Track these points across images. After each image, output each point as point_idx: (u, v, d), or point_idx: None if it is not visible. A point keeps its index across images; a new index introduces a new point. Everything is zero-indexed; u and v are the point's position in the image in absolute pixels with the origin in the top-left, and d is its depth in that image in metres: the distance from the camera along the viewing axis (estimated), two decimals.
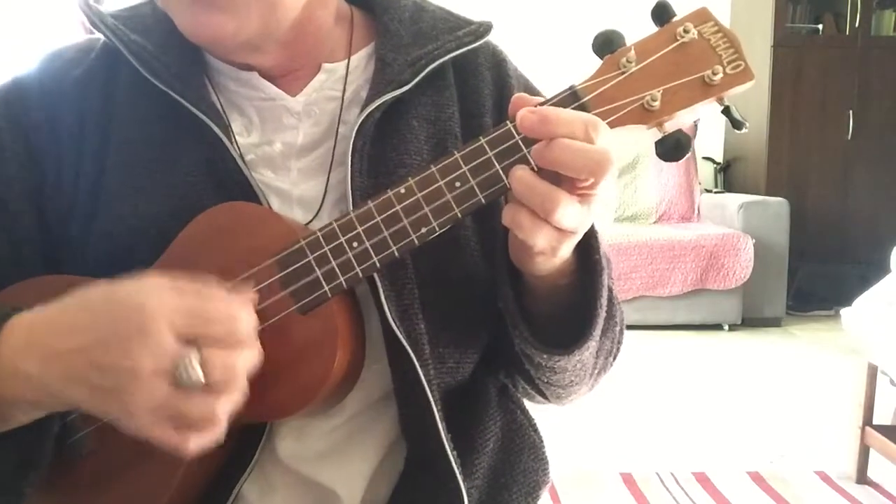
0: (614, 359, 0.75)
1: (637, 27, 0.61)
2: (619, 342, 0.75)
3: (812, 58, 4.46)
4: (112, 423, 0.58)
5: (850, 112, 4.44)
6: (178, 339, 0.50)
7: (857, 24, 4.47)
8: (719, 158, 4.88)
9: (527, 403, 0.80)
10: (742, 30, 4.58)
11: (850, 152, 4.48)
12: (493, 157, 0.58)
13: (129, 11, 0.73)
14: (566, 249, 0.58)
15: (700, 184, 4.59)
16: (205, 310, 0.51)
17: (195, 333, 0.50)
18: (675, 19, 0.59)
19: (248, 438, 0.65)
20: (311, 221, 0.68)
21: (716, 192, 4.65)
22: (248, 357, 0.52)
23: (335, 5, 0.73)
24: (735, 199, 4.21)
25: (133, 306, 0.51)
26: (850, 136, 4.46)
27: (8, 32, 3.49)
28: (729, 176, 4.87)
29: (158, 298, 0.51)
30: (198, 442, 0.51)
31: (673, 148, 0.58)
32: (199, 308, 0.51)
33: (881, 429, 2.19)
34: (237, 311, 0.52)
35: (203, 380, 0.50)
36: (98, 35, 0.71)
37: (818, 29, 4.62)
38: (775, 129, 4.43)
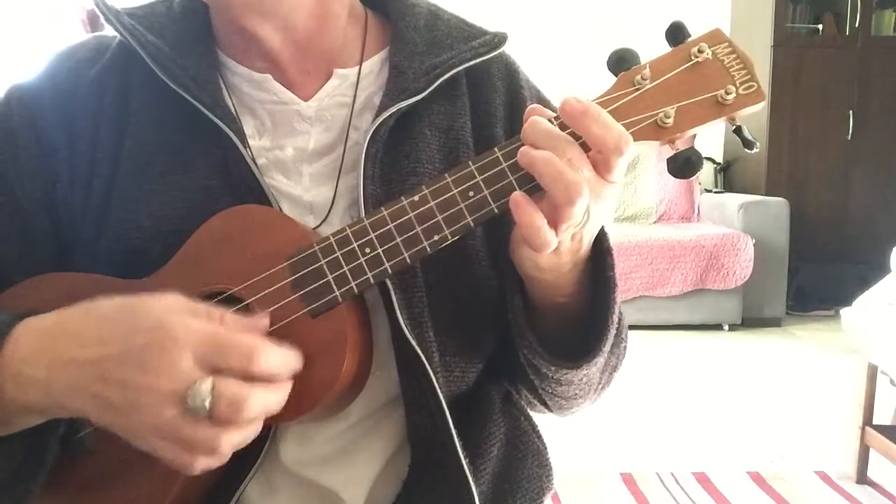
0: (617, 372, 0.75)
1: (651, 46, 0.62)
2: (623, 356, 0.75)
3: (812, 58, 4.46)
4: None
5: (850, 112, 4.45)
6: (196, 364, 0.50)
7: (857, 24, 4.47)
8: (719, 158, 4.88)
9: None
10: (742, 30, 4.58)
11: (850, 152, 4.48)
12: (506, 168, 0.58)
13: (143, 10, 0.73)
14: (560, 242, 0.57)
15: (700, 184, 4.59)
16: (226, 340, 0.51)
17: (213, 361, 0.51)
18: (689, 39, 0.60)
19: (251, 443, 0.65)
20: (319, 226, 0.68)
21: (716, 192, 4.65)
22: (263, 397, 0.52)
23: (349, 1, 0.74)
24: (735, 199, 4.21)
25: (155, 323, 0.51)
26: (850, 136, 4.46)
27: (8, 32, 3.49)
28: (729, 176, 4.88)
29: (182, 319, 0.51)
30: (201, 465, 0.52)
31: (684, 165, 0.58)
32: (220, 336, 0.51)
33: (881, 429, 2.19)
34: (260, 349, 0.52)
35: (208, 408, 0.50)
36: (106, 33, 0.71)
37: (818, 29, 4.62)
38: (775, 129, 4.43)
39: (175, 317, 0.52)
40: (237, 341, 0.52)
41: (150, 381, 0.50)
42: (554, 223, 0.56)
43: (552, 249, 0.57)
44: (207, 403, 0.50)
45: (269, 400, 0.53)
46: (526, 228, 0.56)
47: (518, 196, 0.56)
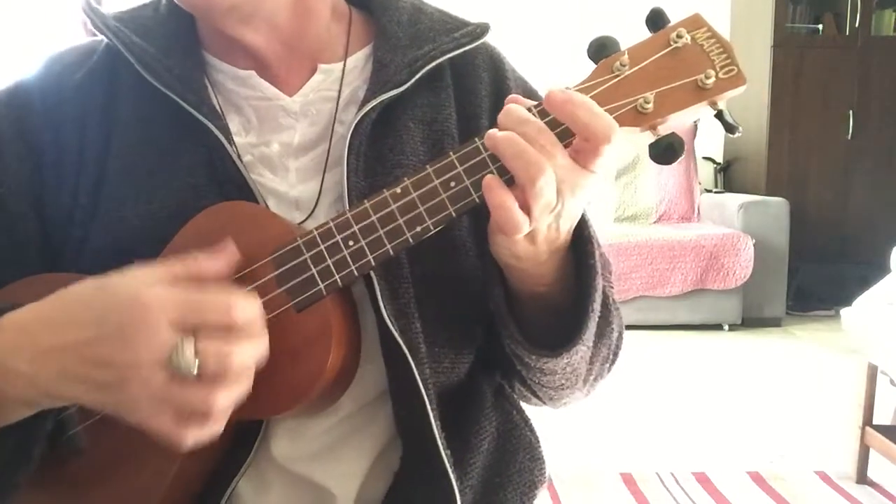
0: (612, 365, 0.75)
1: (633, 33, 0.62)
2: (618, 347, 0.75)
3: (812, 58, 4.46)
4: (107, 420, 0.58)
5: (850, 112, 4.44)
6: (175, 329, 0.50)
7: (857, 24, 4.47)
8: (719, 158, 4.88)
9: (524, 404, 0.80)
10: (742, 30, 4.58)
11: (850, 152, 4.47)
12: (487, 158, 0.58)
13: (130, 13, 0.74)
14: (536, 231, 0.58)
15: (700, 184, 4.59)
16: (200, 299, 0.52)
17: (191, 323, 0.51)
18: (668, 25, 0.60)
19: (243, 438, 0.65)
20: (304, 221, 0.69)
21: (716, 192, 4.65)
22: (247, 348, 0.52)
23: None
24: (735, 199, 4.21)
25: (127, 299, 0.51)
26: (850, 136, 4.46)
27: (9, 33, 3.50)
28: (729, 176, 4.88)
29: (153, 289, 0.51)
30: (196, 435, 0.52)
31: (665, 151, 0.58)
32: (194, 297, 0.52)
33: (881, 429, 2.19)
34: (235, 301, 0.52)
35: (195, 368, 0.50)
36: (100, 37, 0.72)
37: (818, 29, 4.62)
38: (775, 129, 4.43)
39: (147, 288, 0.52)
40: (211, 298, 0.52)
41: (132, 355, 0.50)
42: (526, 207, 0.55)
43: (524, 234, 0.57)
44: (194, 364, 0.50)
45: (252, 351, 0.53)
46: (496, 210, 0.56)
47: (490, 178, 0.56)
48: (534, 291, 0.65)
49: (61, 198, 0.69)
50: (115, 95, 0.71)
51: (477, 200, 0.58)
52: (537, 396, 0.76)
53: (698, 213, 4.46)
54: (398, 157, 0.70)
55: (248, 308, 0.53)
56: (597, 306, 0.65)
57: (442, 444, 0.66)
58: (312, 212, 0.69)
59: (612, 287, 0.75)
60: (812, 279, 4.33)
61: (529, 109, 0.58)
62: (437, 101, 0.73)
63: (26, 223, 0.69)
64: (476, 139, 0.59)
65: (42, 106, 0.71)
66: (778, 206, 4.08)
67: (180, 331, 0.50)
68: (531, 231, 0.57)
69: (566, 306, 0.66)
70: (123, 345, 0.50)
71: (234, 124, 0.71)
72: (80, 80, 0.72)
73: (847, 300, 2.30)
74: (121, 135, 0.69)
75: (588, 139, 0.55)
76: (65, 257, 0.68)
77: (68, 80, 0.72)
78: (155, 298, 0.51)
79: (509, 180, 0.56)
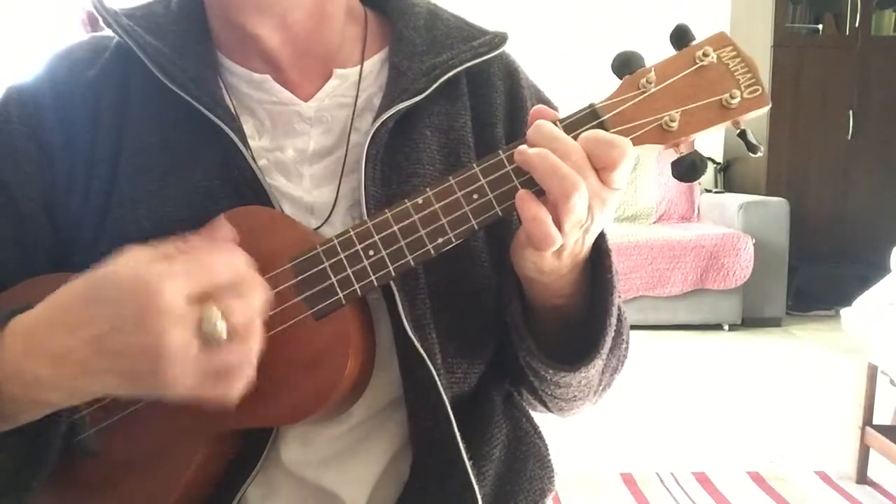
0: (619, 374, 0.75)
1: (648, 45, 0.62)
2: (625, 357, 0.75)
3: (812, 58, 4.46)
4: (120, 423, 0.58)
5: (850, 112, 4.45)
6: (189, 300, 0.49)
7: (857, 24, 4.47)
8: (719, 158, 4.88)
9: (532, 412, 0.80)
10: (742, 30, 4.58)
11: (850, 152, 4.48)
12: (511, 172, 0.58)
13: (142, 10, 0.72)
14: (563, 246, 0.58)
15: (700, 184, 4.60)
16: (202, 265, 0.50)
17: (203, 290, 0.50)
18: (693, 43, 0.60)
19: (252, 444, 0.65)
20: (320, 227, 0.68)
21: (716, 192, 4.65)
22: (259, 295, 0.52)
23: (346, 1, 0.73)
24: (735, 199, 4.22)
25: (132, 285, 0.49)
26: (850, 136, 4.47)
27: (8, 32, 3.49)
28: (729, 176, 4.88)
29: (154, 269, 0.50)
30: (239, 388, 0.51)
31: (689, 169, 0.59)
32: (196, 266, 0.50)
33: (881, 429, 2.20)
34: (232, 256, 0.52)
35: (225, 332, 0.49)
36: (105, 32, 0.71)
37: (818, 29, 4.62)
38: (775, 129, 4.43)
39: (147, 269, 0.50)
40: (213, 260, 0.51)
41: (157, 338, 0.48)
42: (558, 222, 0.56)
43: (555, 248, 0.57)
44: (222, 327, 0.49)
45: (262, 296, 0.52)
46: (530, 223, 0.56)
47: (523, 192, 0.57)
48: (551, 304, 0.65)
49: (72, 199, 0.68)
50: (126, 95, 0.70)
51: (500, 213, 0.59)
52: (546, 406, 0.75)
53: (698, 213, 4.46)
54: (414, 167, 0.69)
55: (243, 259, 0.52)
56: (613, 321, 0.65)
57: (465, 453, 0.66)
58: (328, 218, 0.69)
59: (620, 296, 0.75)
60: (812, 279, 4.33)
61: (555, 123, 0.58)
62: (452, 110, 0.73)
63: (37, 225, 0.68)
64: (500, 152, 0.59)
65: (54, 103, 0.69)
66: (778, 206, 4.08)
67: (194, 301, 0.49)
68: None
69: (580, 318, 0.66)
70: (146, 331, 0.48)
71: (247, 127, 0.70)
72: (92, 77, 0.70)
73: (847, 300, 2.30)
74: (133, 135, 0.68)
75: (606, 167, 0.56)
76: (74, 259, 0.67)
77: (81, 77, 0.70)
78: (159, 277, 0.49)
79: (537, 192, 0.57)
